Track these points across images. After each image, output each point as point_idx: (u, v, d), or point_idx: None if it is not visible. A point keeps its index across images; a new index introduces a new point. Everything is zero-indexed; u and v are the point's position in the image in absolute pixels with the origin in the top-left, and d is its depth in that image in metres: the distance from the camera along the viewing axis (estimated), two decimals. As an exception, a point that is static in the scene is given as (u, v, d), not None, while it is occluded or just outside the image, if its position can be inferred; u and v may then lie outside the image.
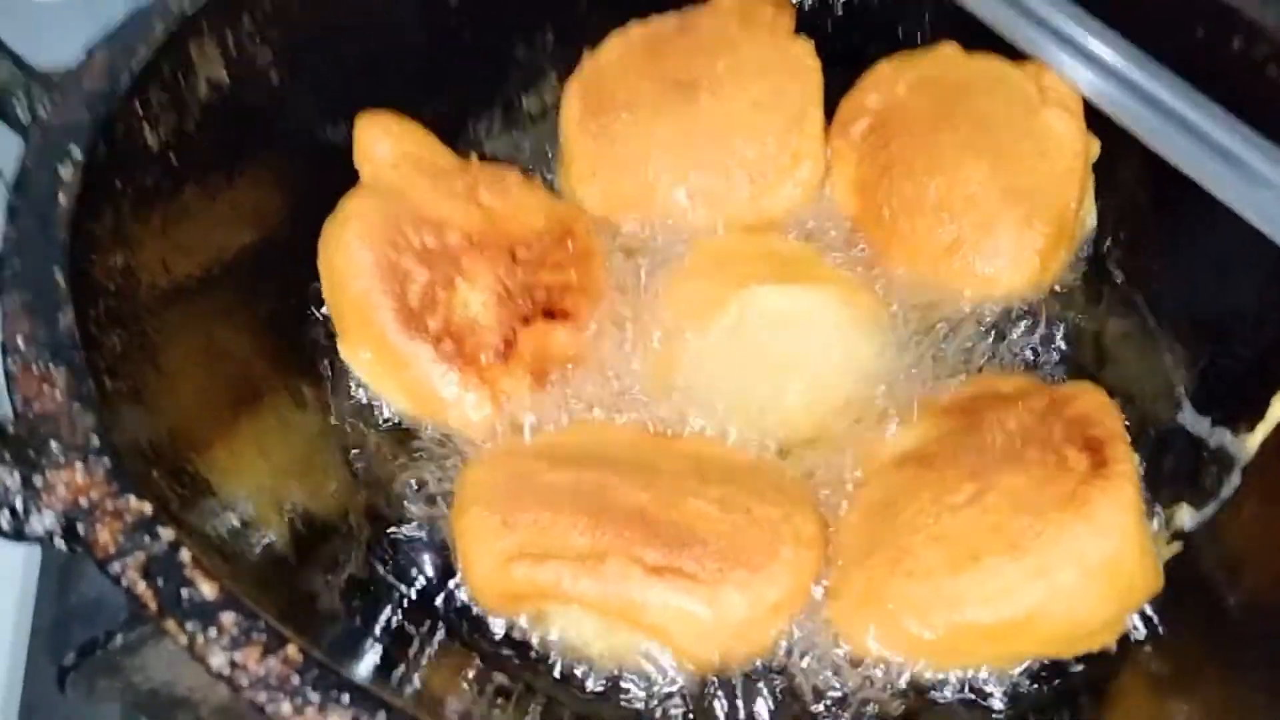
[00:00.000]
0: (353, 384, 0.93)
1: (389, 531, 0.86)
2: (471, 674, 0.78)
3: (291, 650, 0.54)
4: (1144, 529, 0.76)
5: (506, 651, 0.80)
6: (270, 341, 0.91)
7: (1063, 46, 0.95)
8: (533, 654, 0.80)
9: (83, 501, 0.59)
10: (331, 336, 0.93)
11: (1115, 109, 0.93)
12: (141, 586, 0.56)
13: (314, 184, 0.96)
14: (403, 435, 0.91)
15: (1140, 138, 0.91)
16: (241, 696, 0.53)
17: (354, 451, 0.90)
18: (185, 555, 0.57)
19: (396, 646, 0.77)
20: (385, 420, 0.91)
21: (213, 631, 0.55)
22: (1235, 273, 0.93)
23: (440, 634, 0.80)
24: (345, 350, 0.91)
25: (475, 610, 0.81)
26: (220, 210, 0.89)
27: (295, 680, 0.54)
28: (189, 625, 0.55)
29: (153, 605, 0.56)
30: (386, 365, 0.89)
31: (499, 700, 0.77)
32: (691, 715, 0.78)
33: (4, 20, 0.84)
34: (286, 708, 0.53)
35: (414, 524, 0.85)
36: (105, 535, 0.58)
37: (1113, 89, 0.93)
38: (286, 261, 0.93)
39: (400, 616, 0.79)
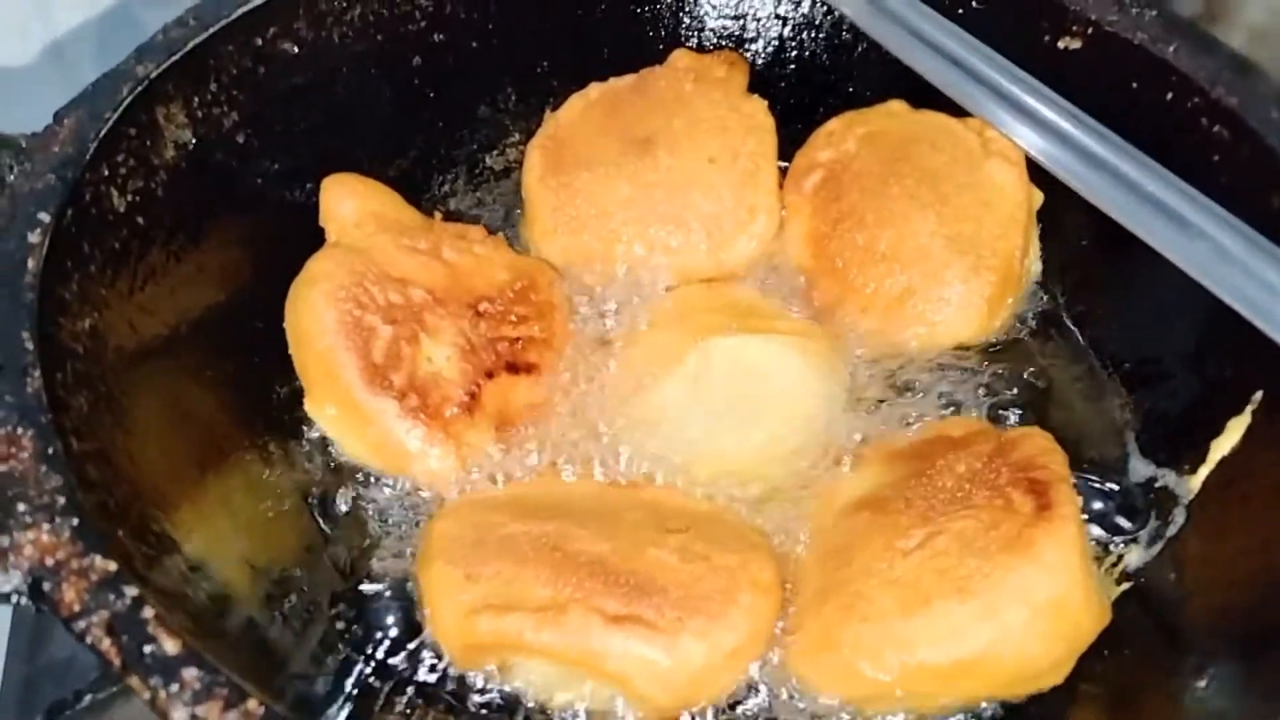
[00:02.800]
0: (318, 440, 0.94)
1: (356, 586, 0.86)
2: (437, 726, 0.79)
3: (252, 705, 0.56)
4: (1088, 568, 0.78)
5: (474, 702, 0.81)
6: (237, 400, 0.92)
7: (1002, 104, 0.99)
8: (499, 705, 0.81)
9: (49, 561, 0.60)
10: (298, 393, 0.94)
11: (1054, 164, 0.96)
12: (106, 643, 0.57)
13: (279, 244, 0.97)
14: (369, 490, 0.92)
15: (1078, 190, 0.94)
16: (203, 752, 0.54)
17: (320, 507, 0.91)
18: (148, 612, 0.59)
19: (363, 701, 0.78)
20: (351, 475, 0.93)
21: (174, 687, 0.56)
22: (1174, 317, 0.97)
23: (408, 688, 0.80)
24: (311, 407, 0.93)
25: (442, 663, 0.82)
26: (186, 271, 0.90)
27: (255, 734, 0.55)
28: (152, 680, 0.56)
29: (116, 661, 0.57)
30: (352, 421, 0.91)
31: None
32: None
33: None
34: (248, 762, 0.54)
35: (381, 578, 0.86)
36: (71, 594, 0.59)
37: (1051, 145, 0.96)
38: (252, 320, 0.95)
39: (367, 670, 0.80)
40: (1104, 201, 0.92)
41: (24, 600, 0.59)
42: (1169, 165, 0.91)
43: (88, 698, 0.78)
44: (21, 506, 0.62)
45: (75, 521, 0.62)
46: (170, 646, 0.57)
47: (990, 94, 0.99)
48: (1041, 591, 0.75)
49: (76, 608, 0.58)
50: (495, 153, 1.19)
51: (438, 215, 1.04)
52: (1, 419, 0.66)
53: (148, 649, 0.57)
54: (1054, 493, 0.80)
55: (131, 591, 0.59)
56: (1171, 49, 0.98)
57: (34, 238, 0.76)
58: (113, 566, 0.60)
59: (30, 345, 0.70)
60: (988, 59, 0.99)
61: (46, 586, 0.59)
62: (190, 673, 0.56)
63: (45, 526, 0.61)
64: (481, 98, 1.16)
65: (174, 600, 0.66)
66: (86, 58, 1.27)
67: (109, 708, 0.81)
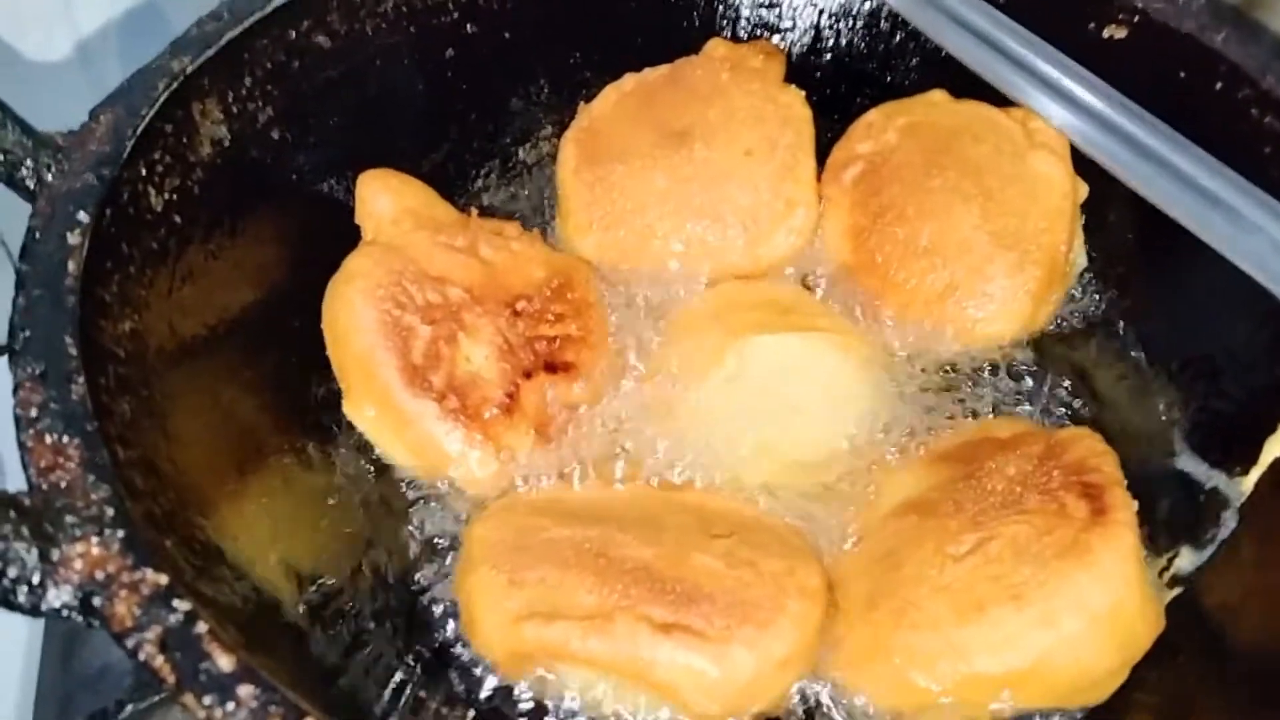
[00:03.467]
0: (357, 442, 0.93)
1: (397, 591, 0.86)
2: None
3: (310, 722, 0.55)
4: (1144, 575, 0.77)
5: (518, 712, 0.80)
6: (275, 401, 0.91)
7: (1047, 92, 0.97)
8: (544, 715, 0.80)
9: (99, 575, 0.59)
10: (336, 394, 0.93)
11: (1100, 153, 0.94)
12: (159, 660, 0.56)
13: (316, 241, 0.97)
14: (408, 492, 0.91)
15: (1126, 181, 0.92)
16: (261, 771, 0.53)
17: (360, 510, 0.90)
18: (202, 627, 0.58)
19: (409, 712, 0.77)
20: (391, 478, 0.92)
21: (230, 705, 0.55)
22: (1224, 313, 0.95)
23: (449, 698, 0.79)
24: (350, 408, 0.92)
25: (483, 670, 0.81)
26: (223, 269, 0.89)
27: (313, 753, 0.54)
28: (207, 699, 0.55)
29: (171, 679, 0.56)
30: (391, 422, 0.90)
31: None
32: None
33: (5, 83, 0.84)
34: (305, 782, 0.53)
35: (422, 583, 0.85)
36: (122, 609, 0.58)
37: (1097, 133, 0.95)
38: (290, 319, 0.94)
39: (411, 678, 0.79)
40: (1154, 194, 0.90)
41: (76, 615, 0.58)
42: (1220, 157, 0.89)
43: (129, 708, 0.78)
44: (70, 518, 0.61)
45: (124, 533, 0.61)
46: (225, 664, 0.56)
47: (1036, 81, 0.97)
48: (1099, 599, 0.74)
49: (129, 623, 0.57)
50: (528, 146, 1.17)
51: (473, 211, 1.03)
52: (47, 427, 0.65)
53: (202, 666, 0.56)
54: (1109, 497, 0.78)
55: (184, 606, 0.58)
56: (1220, 37, 0.96)
57: (73, 239, 0.75)
58: (164, 580, 0.59)
59: (74, 350, 0.69)
60: (1032, 45, 0.97)
61: (97, 601, 0.58)
62: (246, 690, 0.55)
63: (94, 539, 0.60)
64: (514, 90, 1.15)
65: (223, 612, 0.65)
66: (112, 53, 1.25)
67: (149, 718, 0.81)
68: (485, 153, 1.14)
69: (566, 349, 0.96)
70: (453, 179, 1.11)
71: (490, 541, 0.83)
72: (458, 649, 0.82)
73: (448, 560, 0.87)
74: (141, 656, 0.57)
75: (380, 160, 1.02)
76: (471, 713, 0.79)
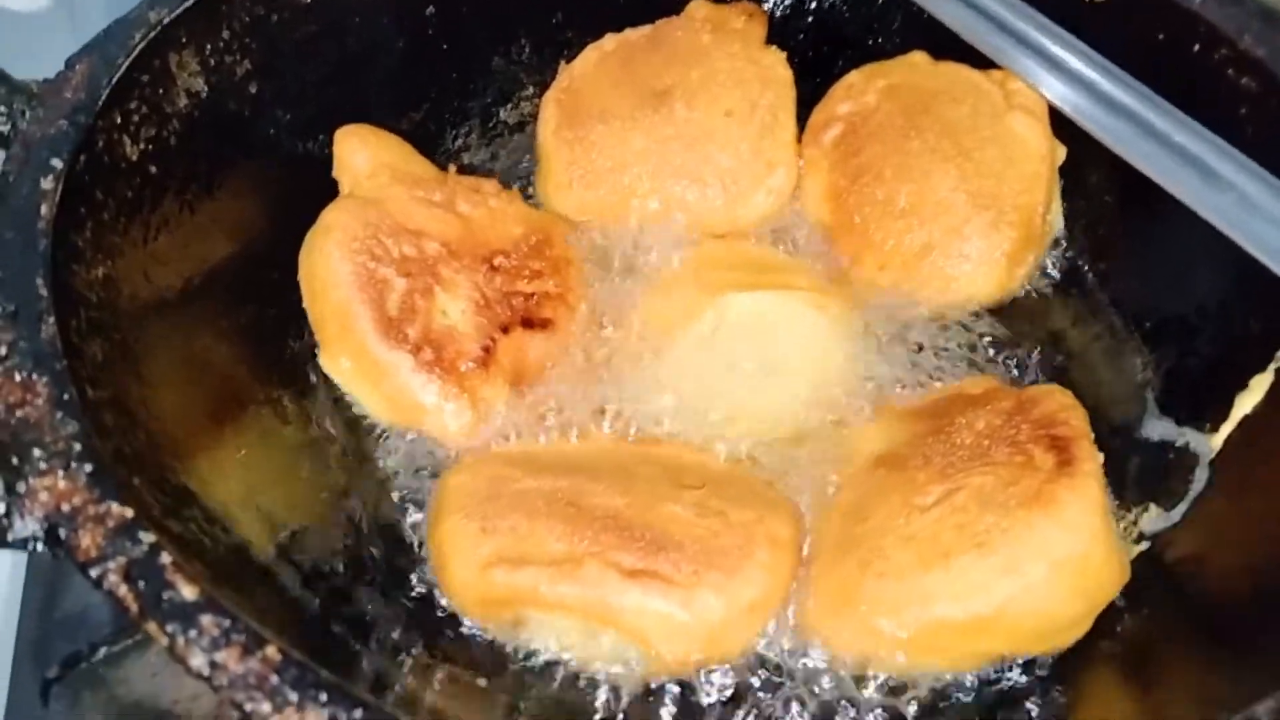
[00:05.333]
0: (333, 394, 0.93)
1: (370, 539, 0.86)
2: (448, 678, 0.79)
3: (270, 650, 0.55)
4: (1110, 525, 0.78)
5: (485, 656, 0.81)
6: (251, 352, 0.91)
7: (1027, 53, 0.97)
8: (511, 658, 0.81)
9: (65, 507, 0.60)
10: (312, 347, 0.93)
11: (1079, 114, 0.95)
12: (123, 590, 0.57)
13: (293, 195, 0.97)
14: (383, 443, 0.92)
15: (1104, 142, 0.93)
16: (221, 696, 0.54)
17: (335, 460, 0.91)
18: (165, 559, 0.58)
19: (378, 652, 0.78)
20: (365, 429, 0.92)
21: (193, 633, 0.56)
22: (1198, 273, 0.95)
23: (419, 639, 0.80)
24: (326, 360, 0.92)
25: (453, 615, 0.82)
26: (200, 221, 0.90)
27: (274, 680, 0.54)
28: (169, 627, 0.56)
29: (134, 608, 0.56)
30: (367, 374, 0.90)
31: (476, 703, 0.78)
32: (671, 716, 0.79)
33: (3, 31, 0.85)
34: (266, 707, 0.54)
35: (393, 531, 0.86)
36: (87, 540, 0.58)
37: (1076, 95, 0.95)
38: (266, 272, 0.94)
39: (380, 622, 0.80)
40: (1130, 152, 0.91)
41: (41, 546, 0.59)
42: (1196, 117, 0.89)
43: (102, 650, 0.79)
44: (37, 452, 0.61)
45: (90, 468, 0.61)
46: (188, 593, 0.57)
47: (1016, 43, 0.97)
48: (1062, 547, 0.74)
49: (93, 553, 0.58)
50: (509, 106, 1.17)
51: (452, 168, 1.03)
52: (16, 365, 0.65)
53: (165, 595, 0.57)
54: (1075, 449, 0.79)
55: (148, 538, 0.59)
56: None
57: (46, 184, 0.75)
58: (129, 513, 0.60)
59: (44, 292, 0.70)
60: (1014, 8, 0.97)
61: (63, 533, 0.59)
62: (208, 619, 0.56)
63: (61, 473, 0.61)
64: (495, 49, 1.15)
65: (191, 549, 0.66)
66: (97, 5, 1.25)
67: (123, 660, 0.82)
68: (465, 112, 1.15)
69: (544, 305, 0.96)
70: (433, 137, 1.11)
71: (463, 491, 0.84)
72: (433, 595, 0.82)
73: (421, 510, 0.87)
74: (105, 586, 0.57)
75: (359, 117, 1.02)
76: (439, 654, 0.80)
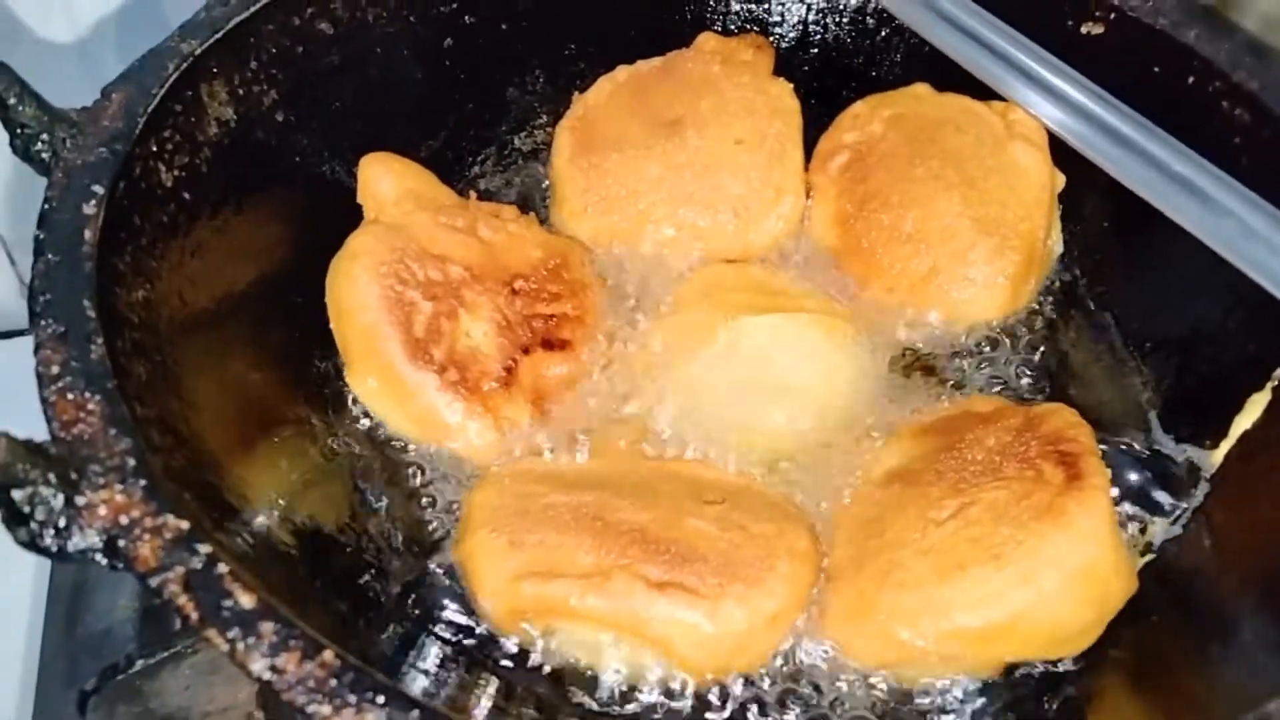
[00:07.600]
0: (358, 414, 0.95)
1: (400, 555, 0.88)
2: (484, 692, 0.81)
3: (328, 655, 0.57)
4: (1118, 536, 0.81)
5: (516, 667, 0.83)
6: (279, 373, 0.93)
7: (1029, 84, 1.00)
8: (542, 669, 0.83)
9: (123, 520, 0.61)
10: (338, 368, 0.96)
11: (1081, 143, 0.98)
12: (183, 599, 0.59)
13: (317, 219, 0.99)
14: (408, 462, 0.94)
15: (1104, 168, 0.96)
16: (282, 699, 0.56)
17: (361, 479, 0.93)
18: (222, 568, 0.60)
19: (416, 661, 0.80)
20: (391, 447, 0.94)
21: (253, 639, 0.58)
22: (1196, 295, 0.98)
23: (450, 649, 0.82)
24: (352, 380, 0.94)
25: (484, 629, 0.84)
26: (231, 245, 0.92)
27: (333, 683, 0.56)
28: (230, 633, 0.58)
29: (194, 616, 0.58)
30: (393, 393, 0.92)
31: (512, 713, 0.79)
32: (692, 724, 0.82)
33: (19, 60, 0.87)
34: (326, 709, 0.55)
35: (424, 547, 0.88)
36: (146, 551, 0.60)
37: (1078, 124, 0.98)
38: (292, 295, 0.96)
39: (416, 634, 0.82)
40: (1130, 179, 0.93)
41: (101, 558, 0.61)
42: (1190, 146, 0.92)
43: (139, 662, 0.80)
44: (94, 467, 0.63)
45: (145, 482, 0.63)
46: (246, 601, 0.59)
47: (1017, 74, 1.00)
48: (1074, 558, 0.77)
49: (153, 564, 0.60)
50: (524, 134, 1.20)
51: (472, 195, 1.06)
52: (69, 384, 0.67)
53: (225, 603, 0.59)
54: (1084, 464, 0.82)
55: (205, 549, 0.61)
56: (1192, 34, 1.00)
57: (89, 209, 0.77)
58: (185, 525, 0.61)
59: (92, 314, 0.72)
60: (1014, 40, 1.01)
61: (122, 544, 0.61)
62: (267, 625, 0.58)
63: (118, 486, 0.63)
64: (511, 80, 1.18)
65: (238, 559, 0.68)
66: (110, 44, 1.27)
67: (158, 672, 0.84)
68: (482, 140, 1.18)
69: (563, 327, 0.99)
70: (450, 165, 1.14)
71: (489, 507, 0.86)
72: (454, 608, 0.84)
73: (448, 526, 0.89)
74: (166, 595, 0.59)
75: (380, 145, 1.05)
76: (473, 666, 0.81)
